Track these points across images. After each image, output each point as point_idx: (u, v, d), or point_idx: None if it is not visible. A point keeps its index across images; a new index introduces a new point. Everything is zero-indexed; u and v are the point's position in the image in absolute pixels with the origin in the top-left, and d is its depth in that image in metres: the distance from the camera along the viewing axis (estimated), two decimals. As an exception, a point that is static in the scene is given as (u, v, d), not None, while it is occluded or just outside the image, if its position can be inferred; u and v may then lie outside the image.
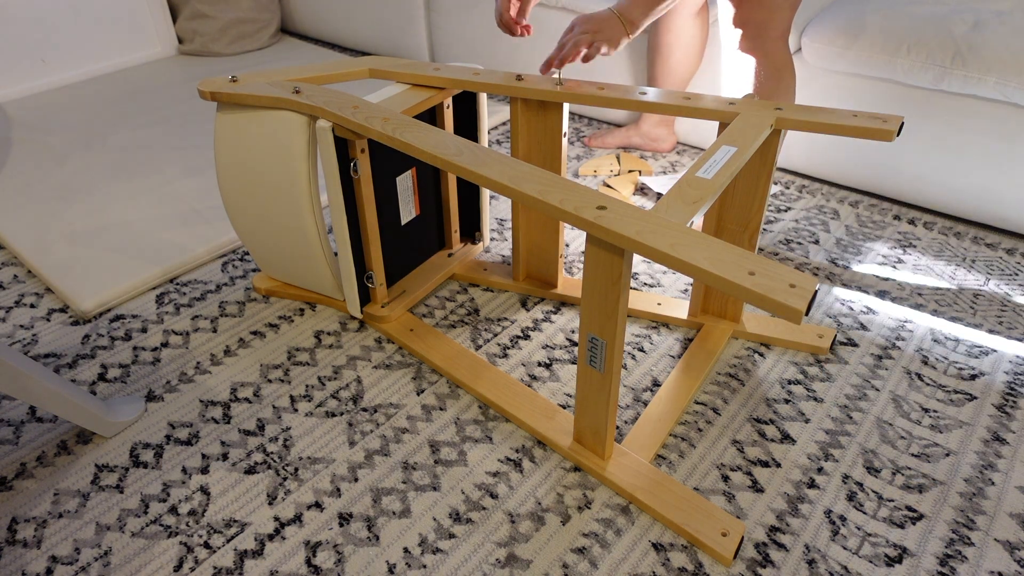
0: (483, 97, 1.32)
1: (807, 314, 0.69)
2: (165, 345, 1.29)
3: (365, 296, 1.30)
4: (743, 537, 0.93)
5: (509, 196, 0.89)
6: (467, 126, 1.34)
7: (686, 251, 0.76)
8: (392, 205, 1.28)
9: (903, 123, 0.99)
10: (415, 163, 1.29)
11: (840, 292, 1.39)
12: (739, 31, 1.35)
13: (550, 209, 0.85)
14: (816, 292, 0.70)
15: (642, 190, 1.74)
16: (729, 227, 1.17)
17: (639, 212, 0.82)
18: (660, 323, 1.31)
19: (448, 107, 1.28)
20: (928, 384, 1.18)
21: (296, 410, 1.15)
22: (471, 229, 1.49)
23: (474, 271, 1.43)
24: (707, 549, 0.92)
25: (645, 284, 1.42)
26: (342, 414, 1.14)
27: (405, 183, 1.28)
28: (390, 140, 1.01)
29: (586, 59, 1.14)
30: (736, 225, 1.16)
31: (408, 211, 1.31)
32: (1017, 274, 1.43)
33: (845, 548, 0.93)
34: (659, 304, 1.32)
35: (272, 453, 1.08)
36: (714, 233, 1.19)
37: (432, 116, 1.28)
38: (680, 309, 1.31)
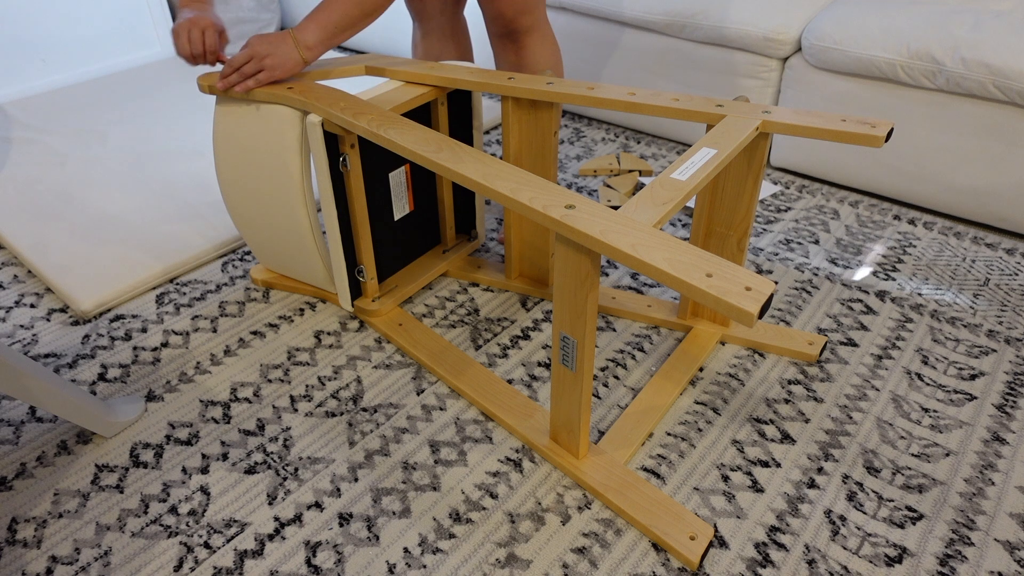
0: (478, 96, 1.32)
1: (760, 318, 0.69)
2: (165, 345, 1.29)
3: (357, 290, 1.31)
4: (711, 541, 0.93)
5: (483, 193, 0.90)
6: (462, 124, 1.35)
7: (647, 251, 0.76)
8: (385, 200, 1.28)
9: (892, 129, 0.98)
10: (410, 160, 1.29)
11: (840, 292, 1.38)
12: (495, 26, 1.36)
13: (519, 206, 0.85)
14: (772, 296, 0.70)
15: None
16: (717, 229, 1.17)
17: (606, 212, 0.82)
18: (655, 325, 1.31)
19: (443, 104, 1.28)
20: (928, 384, 1.18)
21: (296, 410, 1.15)
22: (467, 226, 1.49)
23: (468, 268, 1.43)
24: (673, 551, 0.92)
25: (645, 284, 1.42)
26: (342, 414, 1.14)
27: (398, 179, 1.28)
28: (374, 136, 1.01)
29: (255, 87, 1.13)
30: (723, 227, 1.16)
31: (401, 207, 1.32)
32: (1017, 274, 1.43)
33: (845, 548, 0.93)
34: (649, 306, 1.32)
35: (272, 453, 1.08)
36: (703, 234, 1.19)
37: (427, 114, 1.28)
38: (671, 312, 1.31)
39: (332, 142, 1.14)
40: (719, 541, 0.94)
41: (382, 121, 1.04)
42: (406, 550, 0.94)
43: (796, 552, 0.93)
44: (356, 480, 1.03)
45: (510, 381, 1.20)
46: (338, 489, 1.02)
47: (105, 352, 1.28)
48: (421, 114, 1.27)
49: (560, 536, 0.95)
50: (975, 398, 1.15)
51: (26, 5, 2.21)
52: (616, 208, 1.63)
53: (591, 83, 1.14)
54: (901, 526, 0.96)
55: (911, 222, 1.60)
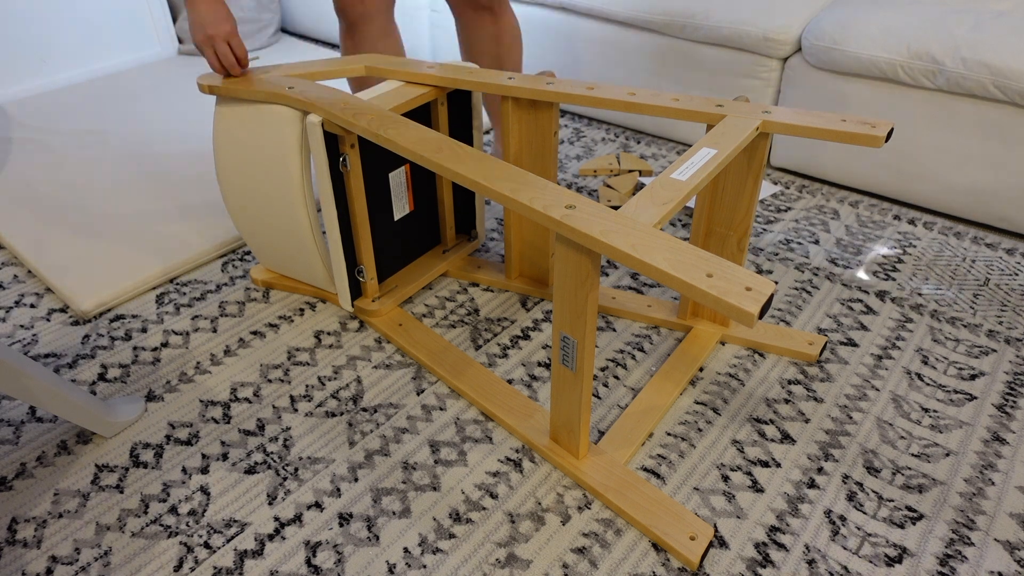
0: (478, 96, 1.32)
1: (760, 318, 0.69)
2: (165, 345, 1.29)
3: (357, 290, 1.31)
4: (711, 541, 0.93)
5: (483, 193, 0.90)
6: (462, 124, 1.35)
7: (647, 252, 0.76)
8: (385, 201, 1.28)
9: (892, 129, 0.98)
10: (409, 160, 1.29)
11: (840, 292, 1.39)
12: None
13: (519, 207, 0.85)
14: (772, 296, 0.70)
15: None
16: (717, 229, 1.17)
17: (606, 212, 0.82)
18: (655, 324, 1.31)
19: (443, 104, 1.28)
20: (928, 384, 1.18)
21: (296, 410, 1.15)
22: (467, 226, 1.49)
23: (468, 268, 1.43)
24: (673, 552, 0.92)
25: (645, 284, 1.42)
26: (342, 414, 1.14)
27: (398, 179, 1.28)
28: (375, 136, 1.01)
29: (243, 64, 1.16)
30: (723, 227, 1.16)
31: (401, 207, 1.32)
32: (1017, 274, 1.43)
33: (845, 548, 0.93)
34: (649, 306, 1.32)
35: (272, 453, 1.08)
36: (703, 234, 1.19)
37: (427, 114, 1.28)
38: (671, 312, 1.31)
39: (332, 142, 1.14)
40: (719, 541, 0.94)
41: (382, 121, 1.04)
42: (406, 550, 0.94)
43: (796, 552, 0.93)
44: (356, 480, 1.03)
45: (510, 381, 1.20)
46: (338, 489, 1.02)
47: (105, 352, 1.28)
48: (421, 114, 1.27)
49: (560, 536, 0.95)
50: (975, 398, 1.15)
51: (26, 5, 2.21)
52: (616, 208, 1.63)
53: (591, 83, 1.14)
54: (901, 526, 0.96)
55: (911, 222, 1.60)
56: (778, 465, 1.04)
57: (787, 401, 1.15)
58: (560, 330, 0.92)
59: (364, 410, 1.15)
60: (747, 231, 1.14)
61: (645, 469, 1.05)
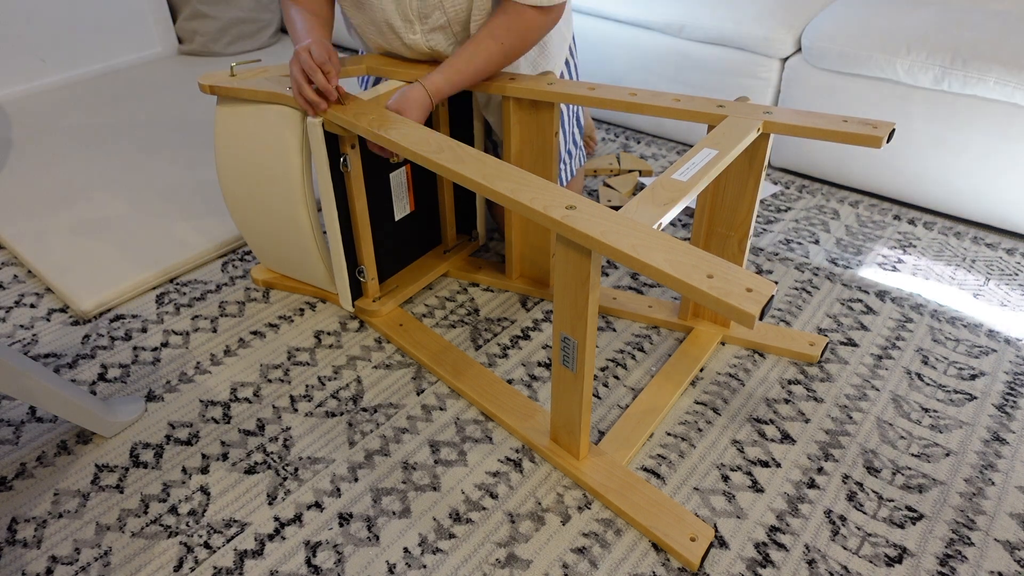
0: (478, 96, 1.32)
1: (761, 319, 0.69)
2: (165, 345, 1.29)
3: (358, 290, 1.31)
4: (711, 543, 0.93)
5: (484, 194, 0.90)
6: (462, 125, 1.35)
7: (647, 252, 0.76)
8: (385, 201, 1.28)
9: (893, 130, 0.98)
10: (410, 160, 1.29)
11: (840, 292, 1.39)
12: None
13: (520, 207, 0.85)
14: (772, 297, 0.70)
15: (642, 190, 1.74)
16: (718, 230, 1.17)
17: (607, 213, 0.82)
18: (655, 325, 1.31)
19: (443, 105, 1.28)
20: (928, 384, 1.18)
21: (296, 410, 1.15)
22: (468, 227, 1.49)
23: (468, 269, 1.43)
24: (673, 553, 0.92)
25: (645, 284, 1.42)
26: (342, 414, 1.14)
27: (399, 179, 1.29)
28: (375, 136, 1.01)
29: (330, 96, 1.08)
30: (724, 228, 1.16)
31: (402, 207, 1.32)
32: (1017, 274, 1.43)
33: (845, 548, 0.93)
34: (650, 307, 1.32)
35: (272, 453, 1.08)
36: (704, 235, 1.19)
37: (428, 115, 1.28)
38: (672, 312, 1.31)
39: (333, 142, 1.14)
40: (719, 541, 0.94)
41: (383, 121, 1.04)
42: (406, 550, 0.94)
43: (796, 552, 0.93)
44: (356, 480, 1.03)
45: (510, 381, 1.20)
46: (338, 489, 1.02)
47: (105, 352, 1.28)
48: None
49: (560, 536, 0.95)
50: (975, 398, 1.15)
51: (26, 5, 2.21)
52: (616, 208, 1.64)
53: (591, 83, 1.14)
54: (901, 526, 0.96)
55: (911, 222, 1.60)
56: (778, 465, 1.05)
57: (787, 401, 1.15)
58: (560, 331, 0.92)
59: (364, 410, 1.15)
60: (748, 232, 1.14)
61: (645, 469, 1.05)
